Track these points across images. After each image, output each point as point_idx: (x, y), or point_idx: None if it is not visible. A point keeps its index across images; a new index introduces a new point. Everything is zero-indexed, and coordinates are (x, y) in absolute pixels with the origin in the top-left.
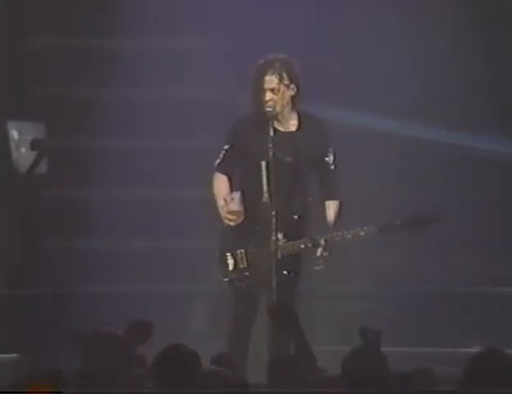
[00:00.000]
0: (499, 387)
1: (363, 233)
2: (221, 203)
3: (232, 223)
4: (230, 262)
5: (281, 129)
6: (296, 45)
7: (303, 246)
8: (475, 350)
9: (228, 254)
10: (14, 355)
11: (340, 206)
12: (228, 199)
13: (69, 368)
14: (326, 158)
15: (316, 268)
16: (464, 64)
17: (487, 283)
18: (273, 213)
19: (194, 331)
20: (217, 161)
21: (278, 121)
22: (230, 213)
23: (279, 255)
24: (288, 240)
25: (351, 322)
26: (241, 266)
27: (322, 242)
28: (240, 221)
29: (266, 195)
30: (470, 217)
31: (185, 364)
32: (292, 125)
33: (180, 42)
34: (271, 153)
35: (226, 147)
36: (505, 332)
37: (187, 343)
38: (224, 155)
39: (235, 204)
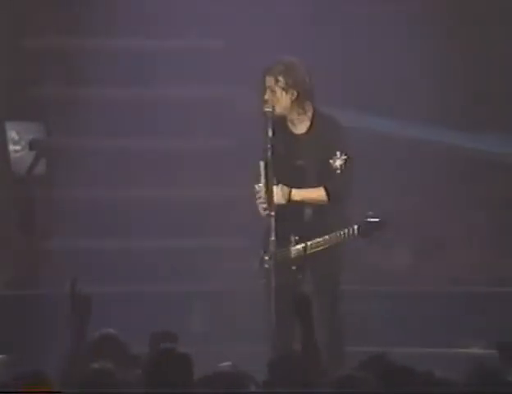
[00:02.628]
0: None
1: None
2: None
3: (266, 213)
4: (265, 261)
5: (294, 131)
6: (297, 45)
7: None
8: (474, 350)
9: (264, 253)
10: (13, 355)
11: (324, 198)
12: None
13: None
14: (331, 161)
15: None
16: (465, 64)
17: (487, 283)
18: (272, 213)
19: (194, 331)
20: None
21: (291, 122)
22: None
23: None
24: (301, 242)
25: (351, 323)
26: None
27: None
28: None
29: (264, 196)
30: (470, 217)
31: (178, 367)
32: (303, 127)
33: (179, 42)
34: (269, 154)
35: None
36: (505, 332)
37: (186, 344)
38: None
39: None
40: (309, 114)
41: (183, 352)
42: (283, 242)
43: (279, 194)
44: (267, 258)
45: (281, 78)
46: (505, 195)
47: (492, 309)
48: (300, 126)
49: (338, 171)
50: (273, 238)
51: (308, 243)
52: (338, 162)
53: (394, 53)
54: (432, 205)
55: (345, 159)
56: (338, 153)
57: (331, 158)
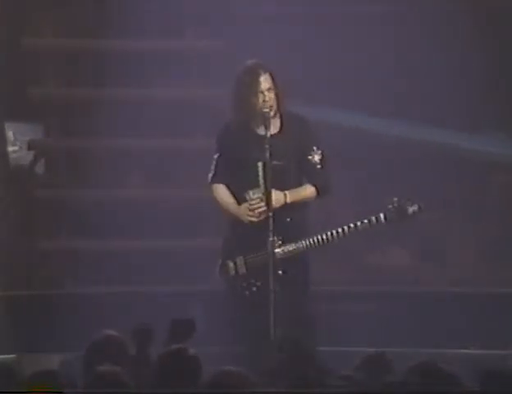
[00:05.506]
0: None
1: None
2: (232, 206)
3: (255, 219)
4: (231, 268)
5: (263, 133)
6: (295, 45)
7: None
8: (474, 350)
9: (229, 261)
10: (14, 355)
11: (314, 194)
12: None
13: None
14: (309, 157)
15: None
16: (464, 64)
17: (487, 283)
18: (270, 214)
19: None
20: (210, 174)
21: (267, 123)
22: (253, 208)
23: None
24: (284, 244)
25: (351, 323)
26: (241, 272)
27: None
28: (262, 217)
29: (263, 197)
30: (470, 217)
31: (186, 367)
32: (275, 127)
33: (179, 42)
34: (267, 155)
35: (215, 156)
36: (505, 332)
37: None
38: (216, 166)
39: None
40: (279, 112)
41: (192, 352)
42: (259, 246)
43: (275, 199)
44: (232, 264)
45: (272, 72)
46: (505, 195)
47: (492, 309)
48: (273, 126)
49: (319, 166)
50: (272, 238)
51: (310, 240)
52: (317, 157)
53: (394, 53)
54: (432, 205)
55: (322, 153)
56: (315, 148)
57: (310, 154)
